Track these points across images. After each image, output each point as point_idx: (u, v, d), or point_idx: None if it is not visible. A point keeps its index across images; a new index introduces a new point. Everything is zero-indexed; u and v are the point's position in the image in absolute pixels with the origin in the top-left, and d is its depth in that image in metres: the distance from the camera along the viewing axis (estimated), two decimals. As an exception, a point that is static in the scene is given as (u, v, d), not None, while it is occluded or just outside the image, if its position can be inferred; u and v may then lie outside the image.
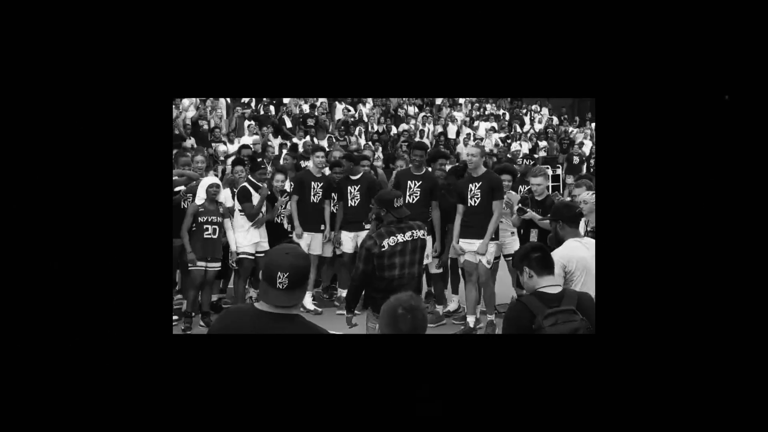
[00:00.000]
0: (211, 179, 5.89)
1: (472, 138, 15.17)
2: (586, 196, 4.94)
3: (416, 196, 5.80)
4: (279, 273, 2.01)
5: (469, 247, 5.55)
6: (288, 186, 6.28)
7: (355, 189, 6.14)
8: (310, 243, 6.10)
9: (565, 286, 2.87)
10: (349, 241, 6.20)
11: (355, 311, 4.13)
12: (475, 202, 5.61)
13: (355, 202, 6.13)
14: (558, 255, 3.30)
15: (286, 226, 6.20)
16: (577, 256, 3.14)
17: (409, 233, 4.04)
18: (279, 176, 6.21)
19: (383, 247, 3.88)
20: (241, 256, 5.82)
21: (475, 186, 5.58)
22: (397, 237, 3.99)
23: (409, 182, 5.85)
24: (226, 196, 5.87)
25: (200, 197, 5.67)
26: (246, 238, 5.83)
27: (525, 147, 14.83)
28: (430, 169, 6.20)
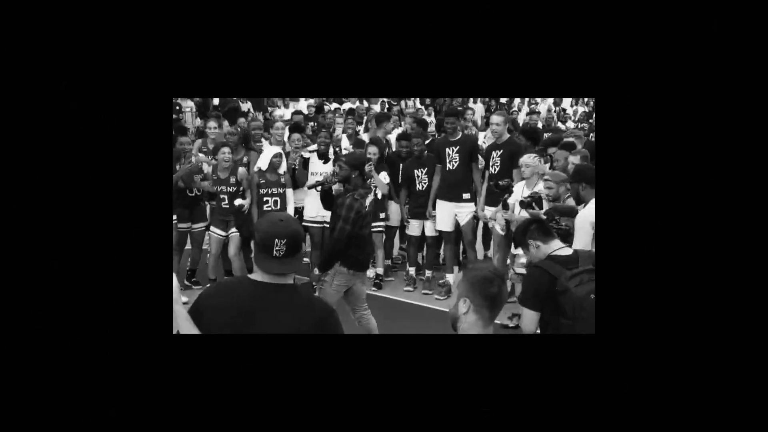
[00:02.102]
0: (275, 149, 5.87)
1: (526, 103, 14.97)
2: (528, 160, 4.94)
3: (456, 162, 5.80)
4: (276, 240, 1.99)
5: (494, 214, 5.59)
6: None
7: (453, 151, 5.85)
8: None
9: (575, 248, 2.90)
10: (448, 215, 5.84)
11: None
12: (495, 169, 5.63)
13: (453, 165, 5.85)
14: (587, 214, 3.35)
15: (379, 195, 5.96)
16: None
17: (372, 194, 4.29)
18: (372, 148, 5.89)
19: (366, 207, 4.09)
20: (305, 224, 5.73)
21: (497, 153, 5.58)
22: (370, 196, 4.19)
23: (447, 149, 5.84)
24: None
25: (263, 162, 5.61)
26: (313, 206, 5.74)
27: (580, 110, 14.54)
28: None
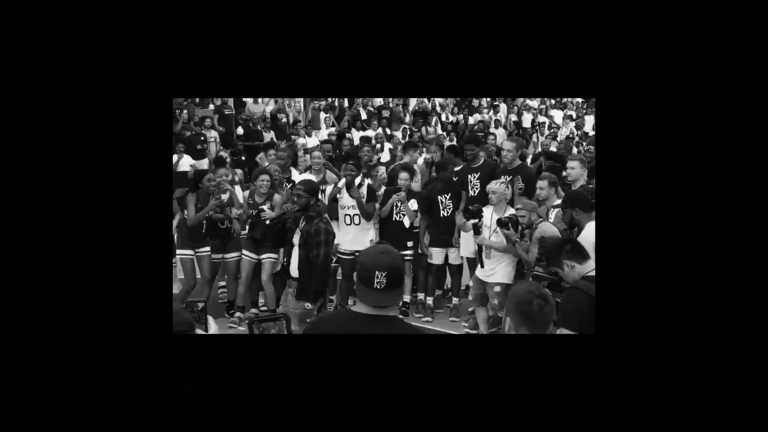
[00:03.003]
0: (303, 175, 5.82)
1: (547, 127, 14.96)
2: (495, 186, 4.99)
3: (477, 189, 5.73)
4: (377, 273, 1.98)
5: None
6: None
7: (474, 177, 5.79)
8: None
9: None
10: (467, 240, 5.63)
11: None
12: (474, 192, 5.62)
13: (474, 192, 5.79)
14: (586, 237, 3.40)
15: (407, 224, 5.78)
16: None
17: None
18: (404, 174, 5.79)
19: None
20: (340, 256, 5.60)
21: (506, 178, 5.55)
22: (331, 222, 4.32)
23: (469, 176, 5.80)
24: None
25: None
26: (345, 238, 5.60)
27: None
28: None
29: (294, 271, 4.46)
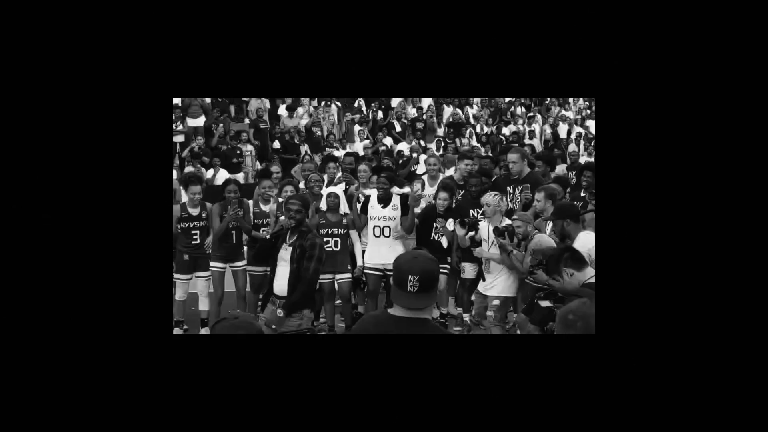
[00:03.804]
0: (330, 188, 5.77)
1: (583, 137, 14.93)
2: (489, 199, 5.01)
3: (519, 201, 5.56)
4: (410, 276, 2.06)
5: None
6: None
7: (517, 190, 5.61)
8: None
9: None
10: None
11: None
12: (516, 205, 5.56)
13: (515, 205, 5.59)
14: (581, 245, 3.45)
15: (445, 244, 5.56)
16: (593, 245, 3.35)
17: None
18: (443, 194, 5.59)
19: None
20: (367, 271, 5.51)
21: (518, 189, 5.50)
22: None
23: (508, 188, 5.63)
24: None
25: (322, 202, 5.56)
26: (372, 252, 5.48)
27: None
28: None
29: (281, 288, 4.29)
